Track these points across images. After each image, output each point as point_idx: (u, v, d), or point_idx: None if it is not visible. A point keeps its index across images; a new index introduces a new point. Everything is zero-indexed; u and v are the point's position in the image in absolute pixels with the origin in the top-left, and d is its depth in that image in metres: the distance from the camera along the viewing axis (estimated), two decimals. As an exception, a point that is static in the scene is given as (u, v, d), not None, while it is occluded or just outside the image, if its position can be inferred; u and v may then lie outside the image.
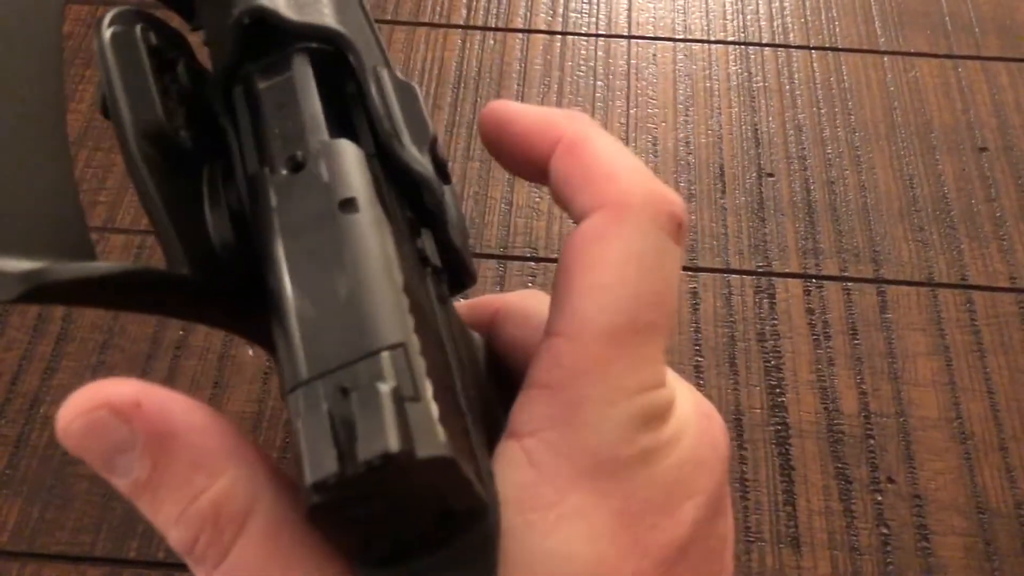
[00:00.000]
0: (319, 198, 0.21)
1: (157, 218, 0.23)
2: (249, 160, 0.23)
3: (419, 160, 0.24)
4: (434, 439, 0.17)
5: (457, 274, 0.26)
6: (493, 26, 0.65)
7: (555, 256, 0.54)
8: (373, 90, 0.24)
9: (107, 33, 0.24)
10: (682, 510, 0.21)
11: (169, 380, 0.48)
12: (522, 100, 0.61)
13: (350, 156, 0.22)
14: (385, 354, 0.18)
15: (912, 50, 0.65)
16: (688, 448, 0.21)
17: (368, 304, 0.19)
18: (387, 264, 0.20)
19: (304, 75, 0.25)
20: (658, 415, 0.21)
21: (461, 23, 0.65)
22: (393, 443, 0.16)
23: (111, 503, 0.45)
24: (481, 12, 0.66)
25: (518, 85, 0.62)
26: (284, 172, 0.22)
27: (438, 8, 0.66)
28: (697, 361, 0.50)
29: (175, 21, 0.27)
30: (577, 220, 0.23)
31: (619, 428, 0.20)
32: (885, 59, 0.65)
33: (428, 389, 0.17)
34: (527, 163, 0.25)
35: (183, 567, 0.43)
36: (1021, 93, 0.63)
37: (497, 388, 0.24)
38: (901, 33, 0.66)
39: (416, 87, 0.27)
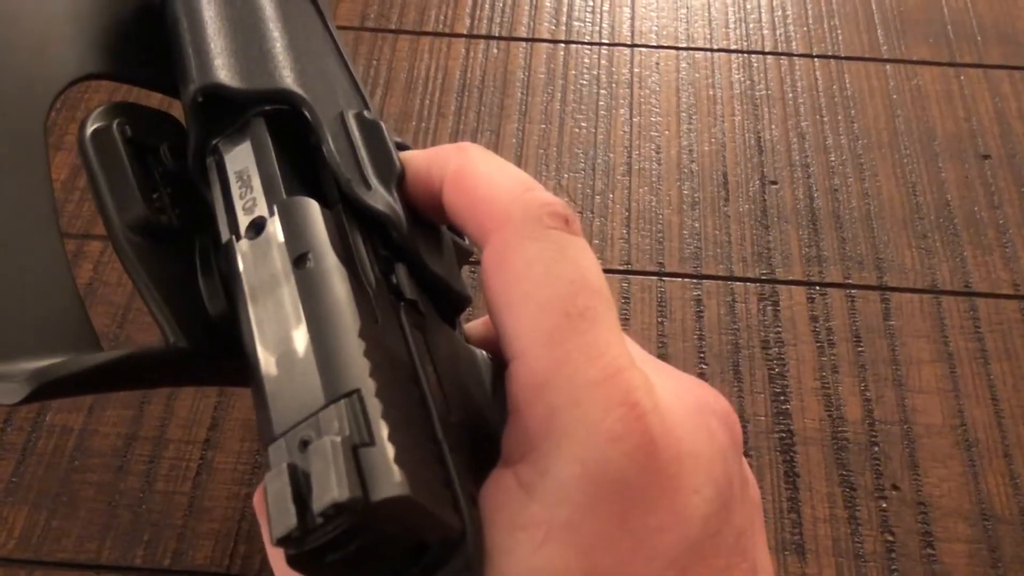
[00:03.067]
0: (276, 258, 0.22)
1: (151, 301, 0.24)
2: (222, 230, 0.24)
3: (385, 200, 0.25)
4: (389, 480, 0.17)
5: (447, 298, 0.27)
6: (497, 35, 0.66)
7: (559, 264, 0.54)
8: (330, 140, 0.25)
9: (88, 132, 0.25)
10: (689, 506, 0.20)
11: (174, 388, 0.49)
12: (526, 108, 0.62)
13: (304, 211, 0.23)
14: (341, 403, 0.18)
15: (914, 58, 0.65)
16: (681, 439, 0.21)
17: (322, 356, 0.20)
18: (339, 312, 0.20)
19: (260, 140, 0.25)
20: (638, 398, 0.20)
21: (465, 32, 0.66)
22: (341, 493, 0.16)
23: (117, 511, 0.45)
24: (485, 21, 0.66)
25: (522, 93, 0.63)
26: (248, 238, 0.23)
27: (442, 17, 0.67)
28: (701, 368, 0.51)
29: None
30: (478, 248, 0.23)
31: (598, 426, 0.20)
32: (887, 67, 0.65)
33: (383, 431, 0.18)
34: (431, 206, 0.25)
35: (189, 574, 0.43)
36: (1023, 101, 0.63)
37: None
38: (903, 41, 0.66)
39: (382, 124, 0.27)
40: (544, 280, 0.21)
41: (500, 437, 0.22)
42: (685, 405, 0.22)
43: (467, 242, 0.30)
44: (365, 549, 0.17)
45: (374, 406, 0.18)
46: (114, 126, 0.26)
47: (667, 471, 0.20)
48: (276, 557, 0.22)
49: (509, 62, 0.64)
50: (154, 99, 0.30)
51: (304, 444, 0.18)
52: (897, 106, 0.63)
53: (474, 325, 0.30)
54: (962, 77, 0.64)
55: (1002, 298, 0.54)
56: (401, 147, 0.28)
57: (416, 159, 0.25)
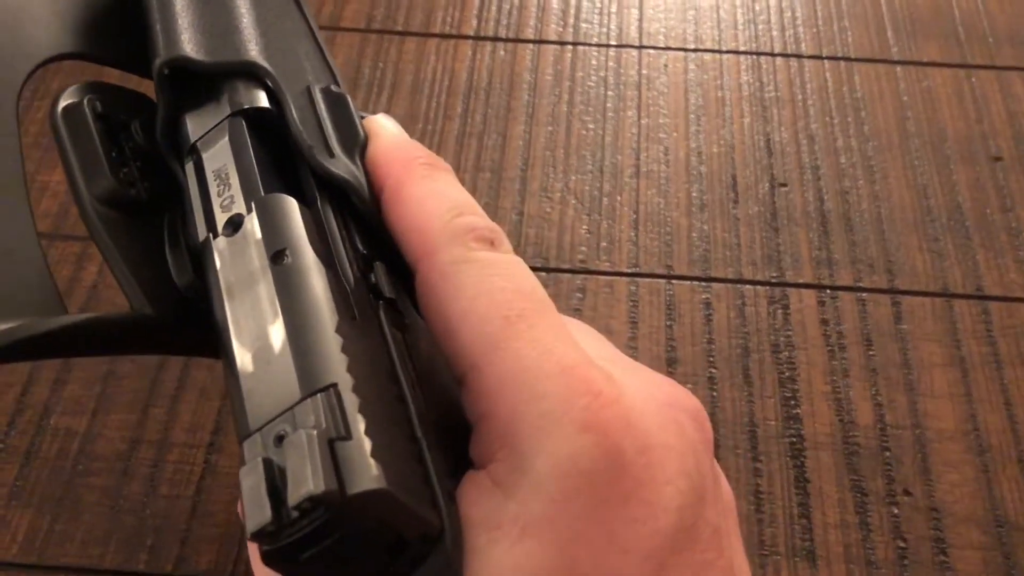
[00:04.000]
0: (254, 255, 0.22)
1: (116, 269, 0.24)
2: (199, 228, 0.24)
3: (347, 167, 0.25)
4: (366, 474, 0.17)
5: None
6: (504, 37, 0.65)
7: (567, 266, 0.54)
8: (293, 109, 0.25)
9: (59, 109, 0.26)
10: (662, 497, 0.20)
11: (179, 391, 0.48)
12: (533, 110, 0.61)
13: (281, 208, 0.23)
14: (317, 397, 0.18)
15: (925, 60, 0.65)
16: (649, 432, 0.21)
17: (298, 351, 0.19)
18: (317, 308, 0.20)
19: (239, 139, 0.26)
20: (600, 387, 0.20)
21: (471, 34, 0.65)
22: (317, 485, 0.16)
23: (121, 515, 0.44)
24: (492, 23, 0.66)
25: (528, 95, 0.62)
26: (225, 235, 0.23)
27: (448, 19, 0.66)
28: (711, 372, 0.50)
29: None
30: (411, 267, 0.24)
31: (563, 417, 0.20)
32: (898, 69, 0.64)
33: (360, 425, 0.18)
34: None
35: (193, 579, 0.43)
36: (1035, 102, 0.62)
37: None
38: (914, 43, 0.66)
39: (347, 96, 0.28)
40: (477, 294, 0.22)
41: None
42: (652, 399, 0.22)
43: None
44: (342, 545, 0.17)
45: (351, 400, 0.18)
46: (84, 102, 0.26)
47: (637, 462, 0.20)
48: (256, 558, 0.21)
49: (516, 64, 0.64)
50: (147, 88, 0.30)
51: (279, 439, 0.18)
52: (907, 108, 0.62)
53: None
54: (973, 79, 0.64)
55: (1015, 302, 0.53)
56: None
57: (371, 154, 0.26)
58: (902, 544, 0.45)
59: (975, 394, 0.50)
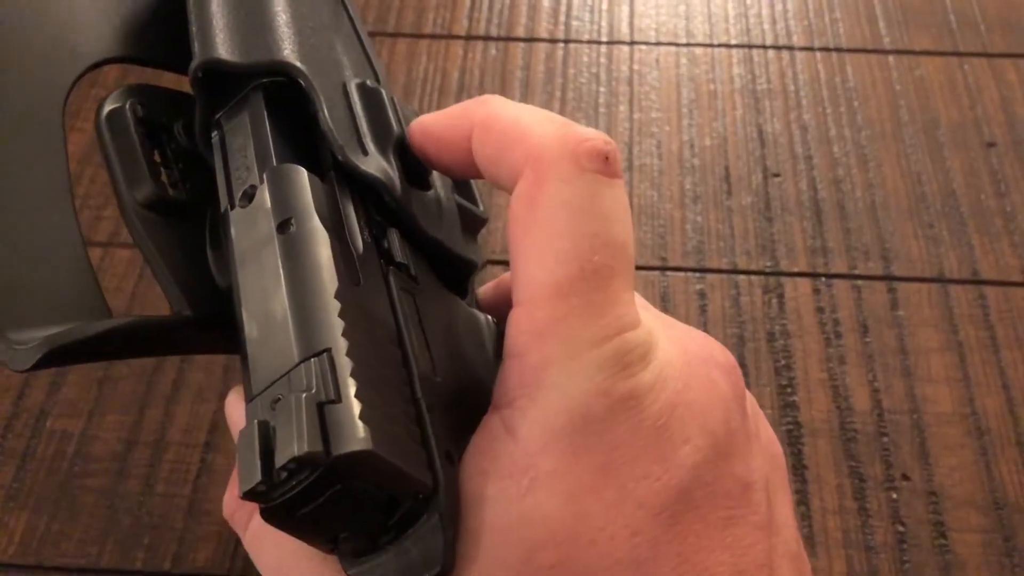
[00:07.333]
0: (263, 224, 0.22)
1: (158, 272, 0.25)
2: (222, 201, 0.25)
3: (379, 164, 0.25)
4: (352, 435, 0.17)
5: (449, 263, 0.27)
6: (495, 36, 0.66)
7: (560, 260, 0.54)
8: (325, 108, 0.26)
9: (103, 114, 0.27)
10: (678, 455, 0.20)
11: (174, 392, 0.48)
12: (525, 107, 0.61)
13: (291, 178, 0.23)
14: (310, 361, 0.19)
15: (917, 48, 0.65)
16: (675, 391, 0.21)
17: (296, 317, 0.20)
18: (317, 275, 0.21)
19: (256, 112, 0.26)
20: (633, 359, 0.20)
21: (463, 34, 0.66)
22: (300, 447, 0.17)
23: (117, 515, 0.44)
24: (483, 22, 0.66)
25: (521, 93, 0.62)
26: (240, 206, 0.24)
27: (439, 20, 0.66)
28: (705, 361, 0.50)
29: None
30: (510, 192, 0.22)
31: (588, 382, 0.20)
32: (890, 58, 0.64)
33: (351, 388, 0.18)
34: (458, 162, 0.25)
35: None
36: (1029, 88, 0.62)
37: None
38: (905, 32, 0.66)
39: (382, 92, 0.28)
40: (566, 230, 0.21)
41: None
42: (687, 354, 0.22)
43: (481, 209, 0.31)
44: (335, 504, 0.18)
45: (343, 364, 0.18)
46: (127, 106, 0.27)
47: (654, 423, 0.20)
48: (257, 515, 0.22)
49: (507, 62, 0.64)
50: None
51: (275, 402, 0.18)
52: (900, 97, 0.62)
53: (485, 288, 0.30)
54: (966, 66, 0.64)
55: (1011, 286, 0.53)
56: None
57: (439, 117, 0.25)
58: (901, 528, 0.45)
59: (973, 378, 0.49)
